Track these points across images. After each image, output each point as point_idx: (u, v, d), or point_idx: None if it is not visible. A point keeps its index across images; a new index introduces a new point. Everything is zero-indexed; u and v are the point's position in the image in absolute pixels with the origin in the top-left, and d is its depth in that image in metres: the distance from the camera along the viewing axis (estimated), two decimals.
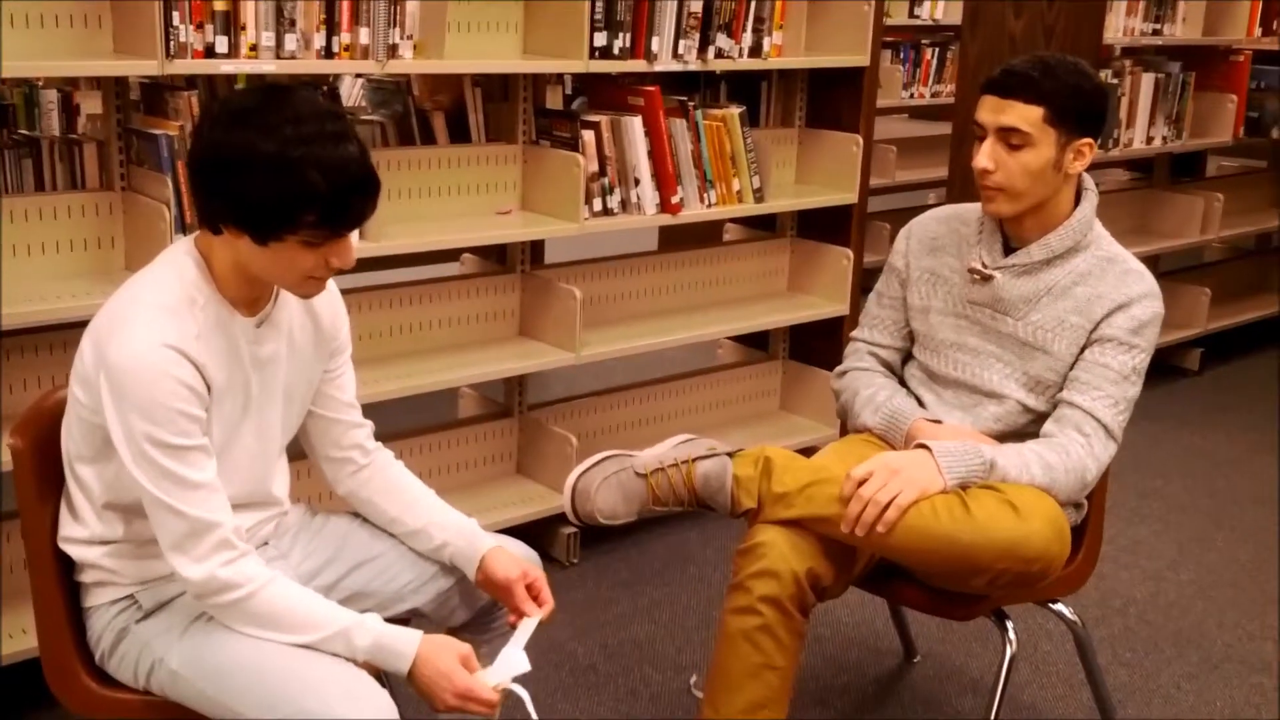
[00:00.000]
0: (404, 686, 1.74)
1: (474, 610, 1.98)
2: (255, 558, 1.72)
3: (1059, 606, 2.38)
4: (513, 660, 1.77)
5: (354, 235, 1.71)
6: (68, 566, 1.82)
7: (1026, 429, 2.25)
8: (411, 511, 1.96)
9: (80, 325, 1.75)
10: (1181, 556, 3.49)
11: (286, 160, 1.60)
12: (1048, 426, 2.21)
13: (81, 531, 1.78)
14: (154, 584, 1.79)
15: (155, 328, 1.65)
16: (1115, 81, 4.32)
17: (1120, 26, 4.33)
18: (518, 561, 1.91)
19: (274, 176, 1.60)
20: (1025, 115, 2.13)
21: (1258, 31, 4.84)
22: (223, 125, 1.64)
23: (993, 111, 2.16)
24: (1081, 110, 2.15)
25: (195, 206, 1.72)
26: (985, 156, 2.16)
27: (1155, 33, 4.49)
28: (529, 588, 1.89)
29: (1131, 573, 3.37)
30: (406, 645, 1.71)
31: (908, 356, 2.43)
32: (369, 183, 1.66)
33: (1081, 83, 2.16)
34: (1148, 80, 4.47)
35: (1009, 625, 2.27)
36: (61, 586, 1.82)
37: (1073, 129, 2.15)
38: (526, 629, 1.86)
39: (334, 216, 1.64)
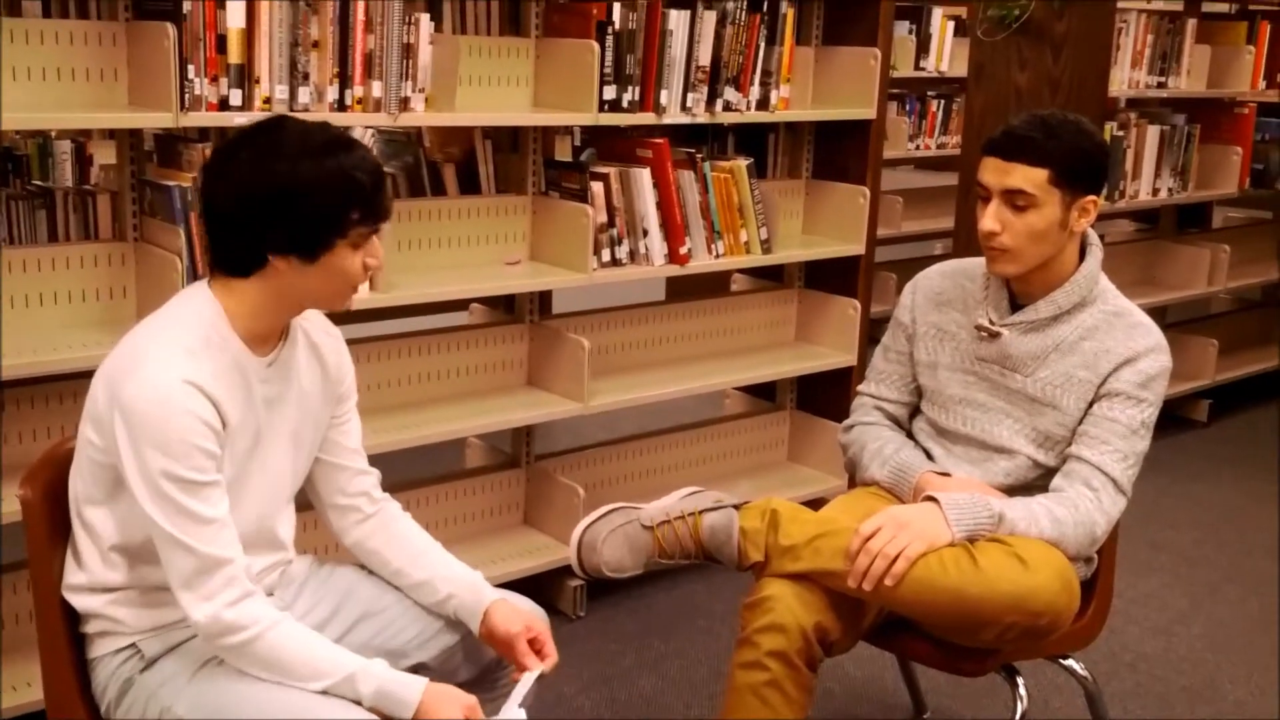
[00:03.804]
0: None
1: (479, 667, 1.97)
2: (262, 597, 1.72)
3: (1070, 662, 2.37)
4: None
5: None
6: (73, 618, 1.82)
7: (1036, 483, 2.25)
8: (417, 564, 1.96)
9: (92, 375, 1.75)
10: (1192, 609, 3.47)
11: (326, 171, 1.69)
12: (1057, 481, 2.20)
13: (83, 578, 1.78)
14: (158, 632, 1.79)
15: (173, 364, 1.67)
16: (1121, 134, 4.34)
17: (1125, 79, 4.36)
18: (521, 615, 1.91)
19: (322, 187, 1.69)
20: (1030, 177, 2.13)
21: (1262, 84, 4.87)
22: (250, 164, 1.70)
23: (997, 174, 2.16)
24: (1085, 169, 2.16)
25: (228, 253, 1.75)
26: (991, 219, 2.16)
27: (1160, 85, 4.52)
28: (532, 642, 1.89)
29: (1141, 626, 3.35)
30: (410, 693, 1.71)
31: (915, 411, 2.43)
32: (384, 173, 1.79)
33: (1084, 142, 2.17)
34: (1153, 132, 4.50)
35: (1020, 681, 2.25)
36: (67, 637, 1.81)
37: (1077, 188, 2.16)
38: (526, 682, 1.85)
39: (375, 209, 1.74)
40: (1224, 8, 5.11)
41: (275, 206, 1.69)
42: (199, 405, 1.67)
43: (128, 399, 1.65)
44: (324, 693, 1.70)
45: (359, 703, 1.71)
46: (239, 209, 1.71)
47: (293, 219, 1.69)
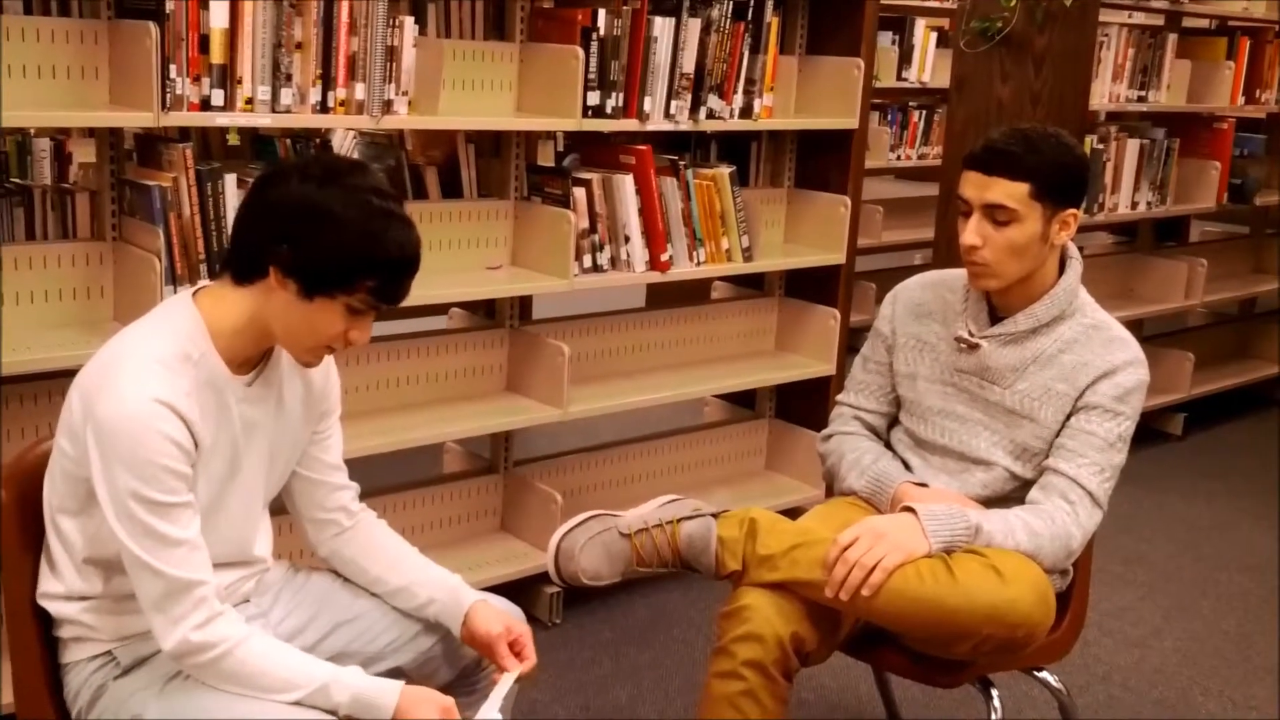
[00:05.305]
0: None
1: (458, 669, 1.97)
2: (232, 615, 1.71)
3: (1044, 674, 2.37)
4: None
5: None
6: (46, 622, 1.80)
7: (1013, 495, 2.25)
8: (395, 570, 1.96)
9: (68, 375, 1.74)
10: (1165, 623, 3.49)
11: (372, 225, 1.67)
12: (1034, 494, 2.21)
13: (59, 587, 1.76)
14: (132, 640, 1.77)
15: (146, 381, 1.64)
16: (1100, 147, 4.37)
17: (1106, 93, 4.39)
18: (502, 616, 1.90)
19: (357, 235, 1.67)
20: (1011, 192, 2.14)
21: (1240, 100, 4.91)
22: (315, 180, 1.69)
23: (977, 188, 2.16)
24: (1066, 183, 2.17)
25: (240, 248, 1.74)
26: (973, 233, 2.17)
27: (1140, 99, 4.54)
28: (512, 644, 1.89)
29: (1115, 639, 3.36)
30: (386, 697, 1.70)
31: (893, 421, 2.44)
32: (418, 267, 1.74)
33: (1064, 156, 2.17)
34: (1133, 146, 4.53)
35: (994, 693, 2.26)
36: (39, 642, 1.80)
37: (1058, 201, 2.16)
38: (504, 685, 1.85)
39: (389, 289, 1.71)
40: (1204, 23, 5.15)
41: (304, 224, 1.67)
42: (170, 425, 1.64)
43: (100, 415, 1.63)
44: (298, 704, 1.69)
45: (334, 712, 1.69)
46: (274, 208, 1.70)
47: (312, 245, 1.67)
